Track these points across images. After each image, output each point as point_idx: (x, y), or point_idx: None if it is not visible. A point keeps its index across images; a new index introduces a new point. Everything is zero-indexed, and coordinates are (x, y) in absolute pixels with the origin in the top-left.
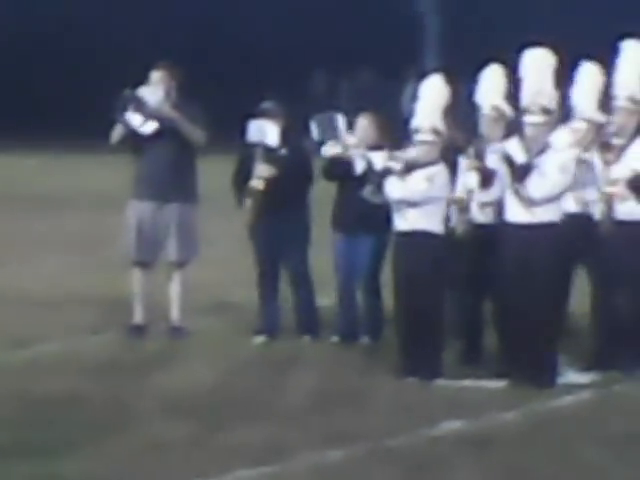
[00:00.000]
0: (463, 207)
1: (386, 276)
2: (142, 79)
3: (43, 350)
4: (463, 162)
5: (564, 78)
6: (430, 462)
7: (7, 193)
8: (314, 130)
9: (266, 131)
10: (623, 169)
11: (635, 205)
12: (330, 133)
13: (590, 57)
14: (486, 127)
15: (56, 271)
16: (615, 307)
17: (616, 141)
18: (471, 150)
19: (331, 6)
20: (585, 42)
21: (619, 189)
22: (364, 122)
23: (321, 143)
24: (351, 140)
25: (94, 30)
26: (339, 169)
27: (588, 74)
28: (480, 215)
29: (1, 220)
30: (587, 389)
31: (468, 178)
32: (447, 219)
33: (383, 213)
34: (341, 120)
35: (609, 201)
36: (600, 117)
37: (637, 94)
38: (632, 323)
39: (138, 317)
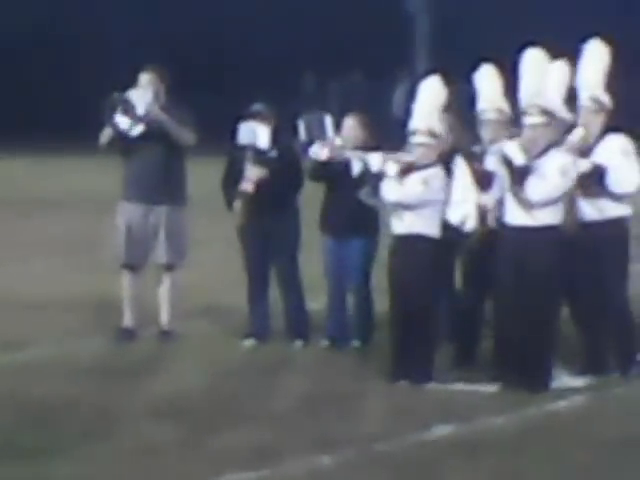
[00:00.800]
0: (484, 213)
1: (376, 279)
2: (131, 81)
3: (33, 353)
4: (461, 164)
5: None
6: (421, 467)
7: None
8: (302, 130)
9: (256, 133)
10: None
11: (605, 202)
12: (318, 134)
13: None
14: (492, 131)
15: (46, 274)
16: (600, 308)
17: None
18: (477, 152)
19: (321, 7)
20: (579, 40)
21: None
22: (351, 122)
23: (308, 144)
24: (339, 141)
25: (86, 32)
26: (333, 170)
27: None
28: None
29: None
30: (581, 393)
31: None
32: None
33: (373, 215)
34: (329, 121)
35: (571, 200)
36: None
37: (600, 94)
38: (618, 323)
39: (128, 320)
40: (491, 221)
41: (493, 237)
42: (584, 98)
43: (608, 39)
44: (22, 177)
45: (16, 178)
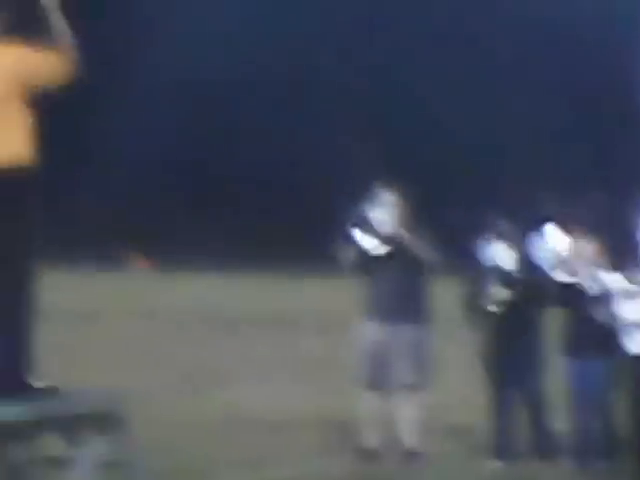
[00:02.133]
0: None
1: (620, 399)
2: (363, 196)
3: (274, 473)
4: None
5: None
6: None
7: (232, 315)
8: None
9: (501, 253)
10: None
11: None
12: (558, 259)
13: None
14: None
15: (286, 392)
16: None
17: None
18: None
19: (562, 128)
20: None
21: None
22: (583, 244)
23: (548, 268)
24: (579, 266)
25: (319, 148)
26: (571, 294)
27: None
28: None
29: (227, 341)
30: None
31: None
32: None
33: (614, 335)
34: (570, 246)
35: None
36: None
37: None
38: None
39: (370, 441)
40: None
41: None
42: None
43: None
44: (259, 296)
45: (253, 296)
